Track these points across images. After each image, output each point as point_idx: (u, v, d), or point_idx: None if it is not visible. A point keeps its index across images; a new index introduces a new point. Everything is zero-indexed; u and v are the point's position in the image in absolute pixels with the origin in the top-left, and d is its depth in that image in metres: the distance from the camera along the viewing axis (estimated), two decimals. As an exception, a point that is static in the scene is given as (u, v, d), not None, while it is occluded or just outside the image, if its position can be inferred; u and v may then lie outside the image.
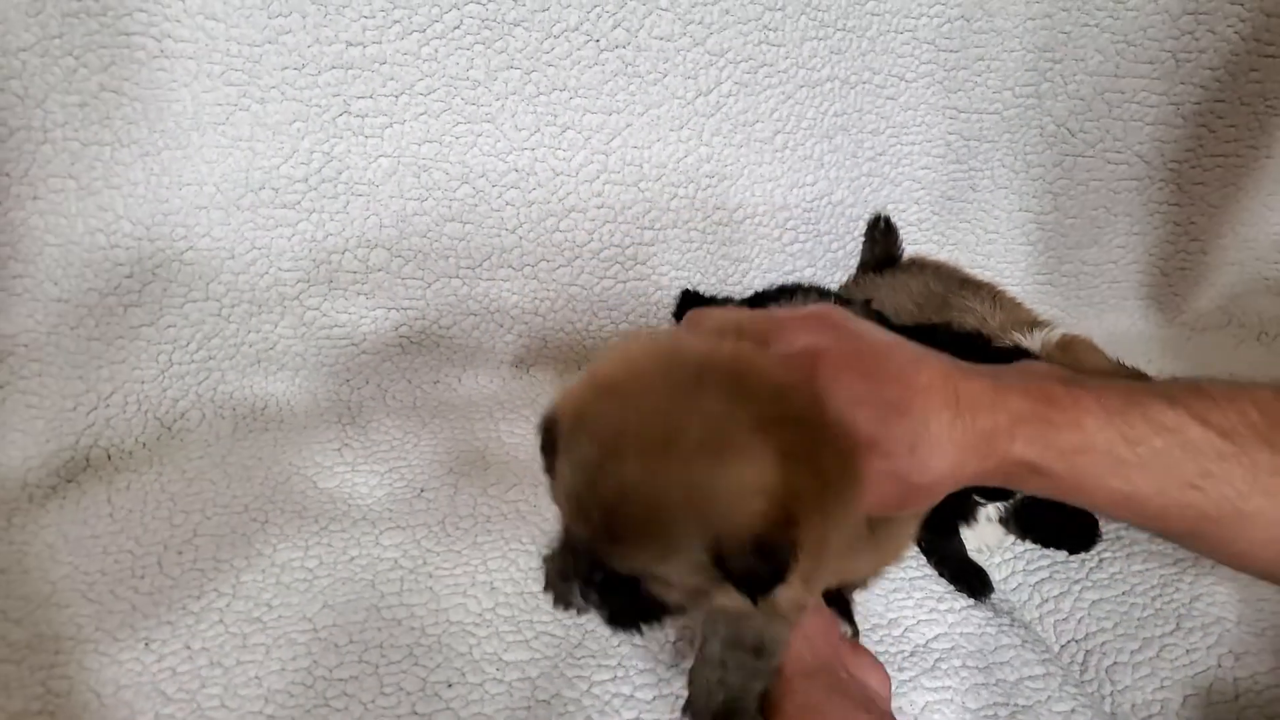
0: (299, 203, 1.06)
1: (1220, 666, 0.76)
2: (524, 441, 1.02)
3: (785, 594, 0.51)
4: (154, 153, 0.97)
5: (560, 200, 1.15)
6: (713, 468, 0.48)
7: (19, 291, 0.91)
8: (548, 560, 0.71)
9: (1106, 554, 0.88)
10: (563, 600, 0.65)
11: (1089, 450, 0.51)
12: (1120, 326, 1.34)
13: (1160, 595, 0.82)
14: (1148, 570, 0.85)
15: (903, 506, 0.55)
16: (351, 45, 1.03)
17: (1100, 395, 0.53)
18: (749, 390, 0.51)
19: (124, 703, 0.67)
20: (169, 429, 1.01)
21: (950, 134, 1.31)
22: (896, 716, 0.68)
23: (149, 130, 0.97)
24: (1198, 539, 0.54)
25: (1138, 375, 0.97)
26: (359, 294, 1.11)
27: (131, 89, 0.95)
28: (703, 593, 0.52)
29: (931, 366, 0.53)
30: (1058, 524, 0.91)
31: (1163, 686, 0.75)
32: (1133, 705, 0.75)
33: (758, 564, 0.48)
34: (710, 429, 0.49)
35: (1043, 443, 0.51)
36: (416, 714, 0.67)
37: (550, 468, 0.56)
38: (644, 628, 0.55)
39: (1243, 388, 0.53)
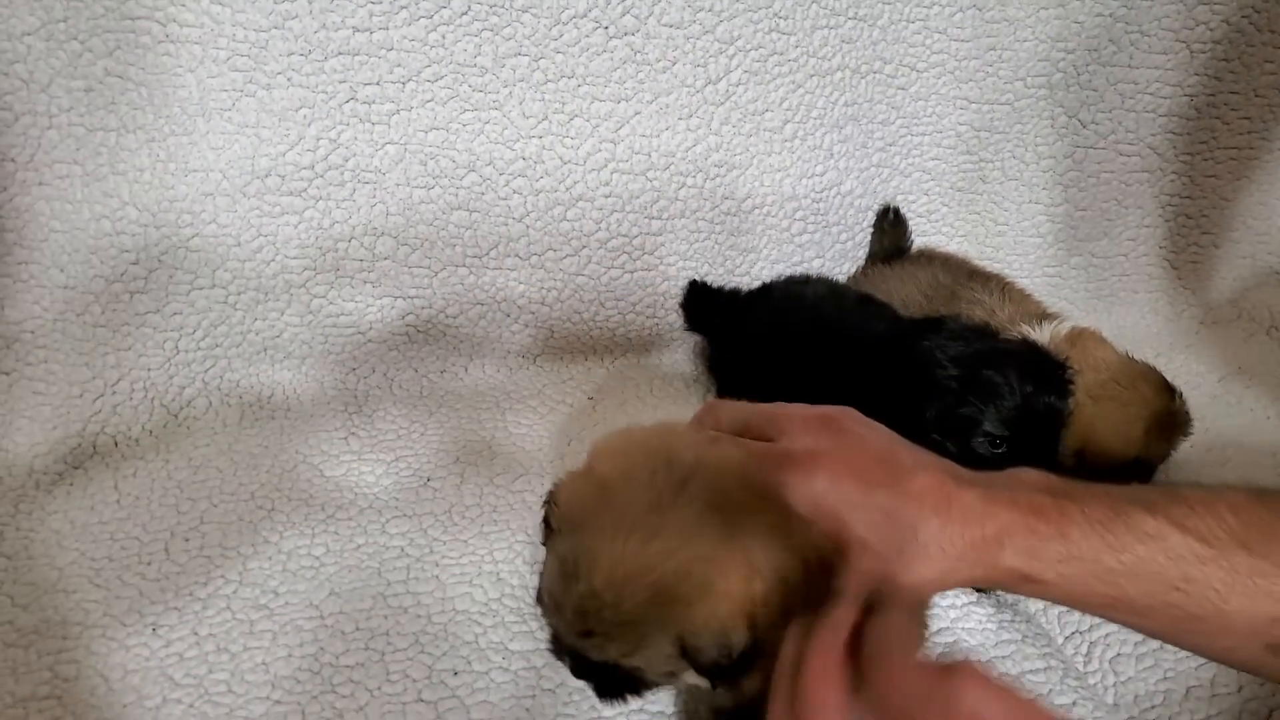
0: (305, 190, 1.05)
1: (1224, 659, 0.75)
2: (530, 432, 1.02)
3: (749, 683, 0.56)
4: (159, 139, 0.97)
5: (568, 189, 1.14)
6: (679, 578, 0.53)
7: (25, 278, 0.91)
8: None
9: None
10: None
11: (1075, 559, 0.54)
12: (1129, 319, 1.33)
13: (1165, 587, 0.82)
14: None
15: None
16: (358, 31, 1.02)
17: (1085, 506, 0.56)
18: (729, 499, 0.56)
19: (131, 687, 0.68)
20: (175, 416, 1.01)
21: (961, 124, 1.30)
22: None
23: (154, 116, 0.96)
24: (1185, 637, 0.57)
25: (1146, 369, 0.97)
26: (365, 282, 1.11)
27: (137, 74, 0.94)
28: (674, 675, 0.57)
29: (926, 474, 0.56)
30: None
31: (1166, 678, 0.75)
32: (1135, 697, 0.75)
33: (720, 660, 0.54)
34: (682, 543, 0.54)
35: (1030, 553, 0.54)
36: (422, 701, 0.68)
37: (546, 540, 0.62)
38: (629, 698, 0.61)
39: (1218, 493, 0.56)
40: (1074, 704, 0.72)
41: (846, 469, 0.55)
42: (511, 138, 1.11)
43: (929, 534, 0.54)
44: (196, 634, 0.72)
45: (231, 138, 1.01)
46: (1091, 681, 0.77)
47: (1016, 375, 0.81)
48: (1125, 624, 0.59)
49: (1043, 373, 0.83)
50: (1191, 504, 0.56)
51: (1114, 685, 0.77)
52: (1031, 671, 0.74)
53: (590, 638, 0.56)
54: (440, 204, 1.10)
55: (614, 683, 0.60)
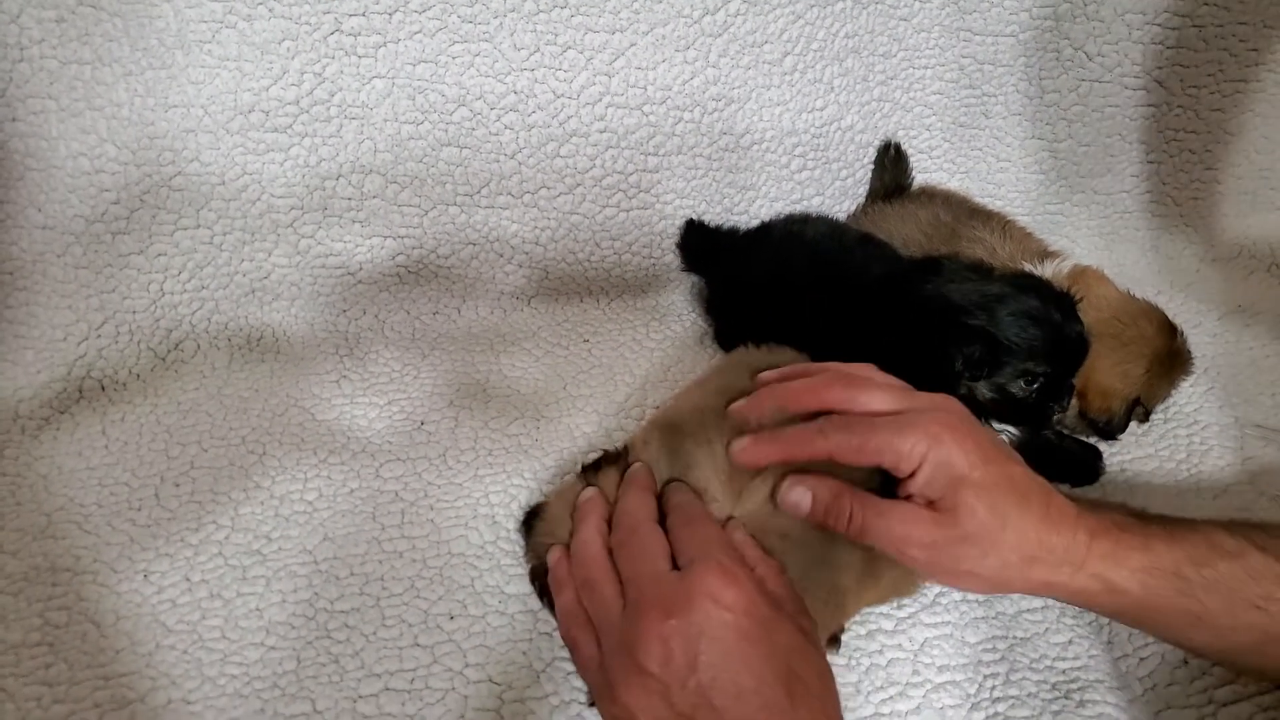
0: (290, 126, 1.02)
1: (1221, 597, 0.76)
2: (525, 374, 1.01)
3: None
4: (137, 72, 0.93)
5: (561, 124, 1.11)
6: None
7: (1, 218, 0.88)
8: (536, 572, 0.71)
9: (1109, 485, 0.88)
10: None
11: (1158, 570, 0.57)
12: (1130, 257, 1.31)
13: (1162, 523, 0.82)
14: (1150, 503, 0.85)
15: (970, 582, 0.60)
16: (341, -42, 0.98)
17: (1166, 524, 0.60)
18: None
19: (124, 633, 0.67)
20: (163, 360, 0.99)
21: (964, 57, 1.26)
22: (896, 654, 0.70)
23: (130, 48, 0.92)
24: (1263, 656, 0.59)
25: (1148, 307, 0.97)
26: (354, 222, 1.08)
27: (110, 3, 0.90)
28: None
29: (1025, 466, 0.60)
30: (1063, 457, 0.90)
31: (1160, 615, 0.76)
32: (1130, 634, 0.75)
33: None
34: None
35: (1115, 560, 0.57)
36: (419, 645, 0.67)
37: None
38: None
39: None
40: (1070, 642, 0.72)
41: (969, 437, 0.58)
42: (503, 71, 1.07)
43: (1030, 521, 0.57)
44: (189, 580, 0.72)
45: (212, 72, 0.97)
46: (1087, 619, 0.77)
47: (1042, 308, 0.79)
48: (1203, 651, 0.61)
49: (1062, 303, 0.82)
50: (1268, 530, 0.59)
51: (1108, 623, 0.76)
52: (1029, 610, 0.74)
53: None
54: (430, 140, 1.07)
55: None
